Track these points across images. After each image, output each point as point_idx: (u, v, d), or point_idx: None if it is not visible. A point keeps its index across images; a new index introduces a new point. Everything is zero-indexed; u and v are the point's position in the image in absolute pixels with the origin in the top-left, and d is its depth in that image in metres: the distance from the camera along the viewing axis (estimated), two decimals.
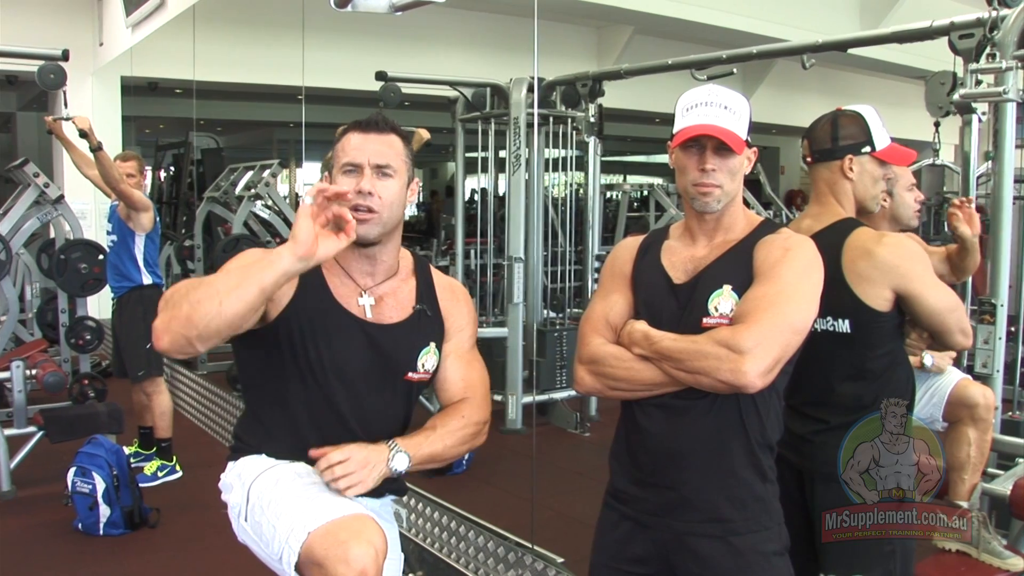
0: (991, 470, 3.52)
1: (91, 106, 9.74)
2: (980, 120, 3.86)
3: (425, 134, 5.96)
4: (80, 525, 4.50)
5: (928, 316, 2.36)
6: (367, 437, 2.13)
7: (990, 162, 4.17)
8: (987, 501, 3.36)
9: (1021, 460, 3.47)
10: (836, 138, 2.45)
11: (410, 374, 2.16)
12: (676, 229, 2.15)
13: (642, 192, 11.07)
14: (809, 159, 2.52)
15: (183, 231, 10.68)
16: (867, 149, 2.44)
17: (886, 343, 2.38)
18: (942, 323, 2.37)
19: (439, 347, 2.22)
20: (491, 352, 6.31)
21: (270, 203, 8.84)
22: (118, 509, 4.48)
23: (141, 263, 5.35)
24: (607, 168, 7.48)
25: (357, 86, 8.93)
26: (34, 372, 5.47)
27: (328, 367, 2.08)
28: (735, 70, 5.39)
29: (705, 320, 1.95)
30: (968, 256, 3.37)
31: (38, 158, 7.23)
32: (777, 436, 2.04)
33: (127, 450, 4.95)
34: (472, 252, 7.70)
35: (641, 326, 1.99)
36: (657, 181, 12.03)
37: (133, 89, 11.10)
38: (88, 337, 6.18)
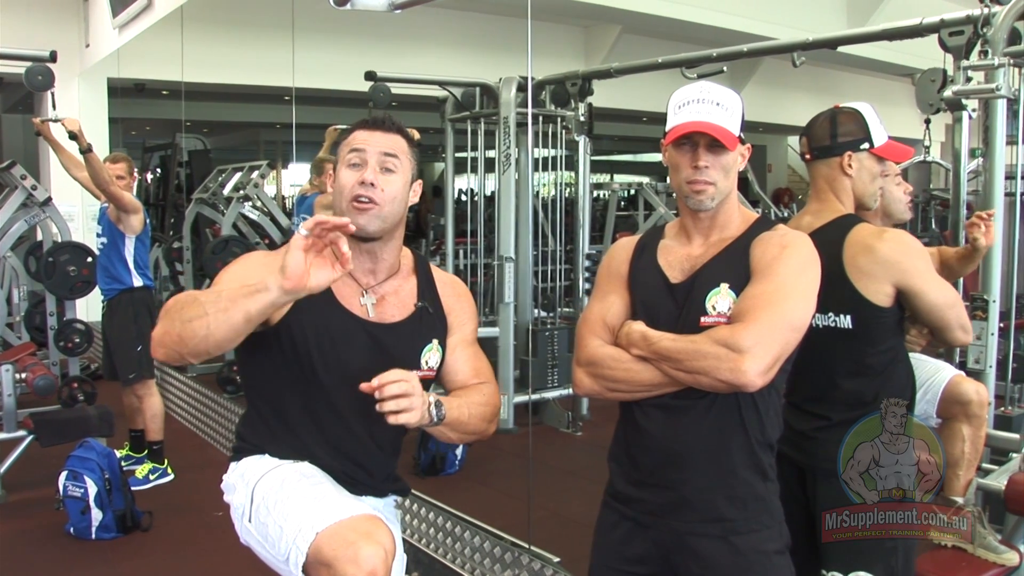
0: (985, 465, 3.52)
1: (78, 108, 9.69)
2: (971, 117, 3.86)
3: (415, 134, 5.94)
4: (72, 529, 4.48)
5: (928, 312, 2.37)
6: (370, 438, 2.14)
7: (979, 158, 4.18)
8: (981, 496, 3.37)
9: (1015, 455, 3.47)
10: (835, 135, 2.46)
11: (414, 372, 2.15)
12: (672, 228, 2.15)
13: (629, 191, 11.06)
14: (808, 156, 2.52)
15: (171, 233, 10.65)
16: (866, 146, 2.45)
17: (887, 339, 2.39)
18: (942, 319, 2.39)
19: (442, 343, 2.22)
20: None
21: (259, 204, 8.81)
22: (110, 513, 4.46)
23: (131, 265, 5.32)
24: (594, 167, 7.48)
25: (346, 86, 8.91)
26: (24, 375, 5.44)
27: (331, 368, 2.08)
28: (725, 68, 5.39)
29: (703, 319, 1.94)
30: (971, 264, 3.44)
31: (24, 160, 7.16)
32: (777, 435, 2.04)
33: (118, 453, 4.92)
34: (461, 252, 7.69)
35: (639, 327, 1.99)
36: (645, 180, 12.04)
37: (120, 91, 11.04)
38: (77, 340, 6.14)
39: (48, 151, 7.27)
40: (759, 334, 1.83)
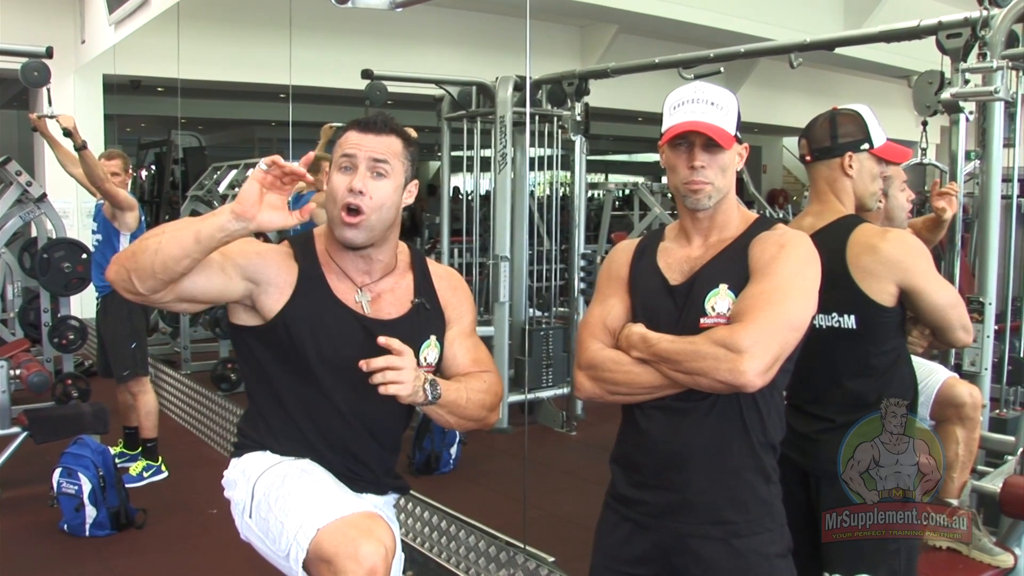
0: (980, 468, 3.53)
1: (73, 104, 9.66)
2: (968, 119, 3.87)
3: (411, 133, 5.93)
4: (66, 526, 4.47)
5: (930, 312, 2.38)
6: (368, 433, 2.15)
7: (975, 161, 4.19)
8: (976, 498, 3.38)
9: (1010, 458, 3.48)
10: (835, 136, 2.46)
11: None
12: (671, 230, 2.15)
13: (625, 191, 11.06)
14: (808, 158, 2.52)
15: None
16: (866, 146, 2.46)
17: (890, 339, 2.40)
18: (944, 319, 2.39)
19: (440, 339, 2.23)
20: None
21: None
22: (104, 510, 4.45)
23: None
24: (590, 167, 7.47)
25: (342, 84, 8.90)
26: (18, 372, 5.42)
27: (328, 363, 2.08)
28: (722, 69, 5.39)
29: (703, 320, 1.94)
30: (940, 232, 3.70)
31: (19, 156, 7.15)
32: (779, 436, 2.03)
33: (112, 450, 4.91)
34: (456, 251, 7.68)
35: (639, 329, 1.98)
36: (641, 180, 12.04)
37: (116, 87, 11.02)
38: (72, 337, 6.14)
39: (43, 147, 7.24)
40: (758, 334, 1.82)
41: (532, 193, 7.38)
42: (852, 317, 2.36)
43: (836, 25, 12.28)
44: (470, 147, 7.19)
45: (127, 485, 4.75)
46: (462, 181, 8.77)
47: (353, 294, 2.14)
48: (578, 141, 6.79)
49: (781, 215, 10.98)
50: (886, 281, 2.33)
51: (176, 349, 8.29)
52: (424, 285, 2.24)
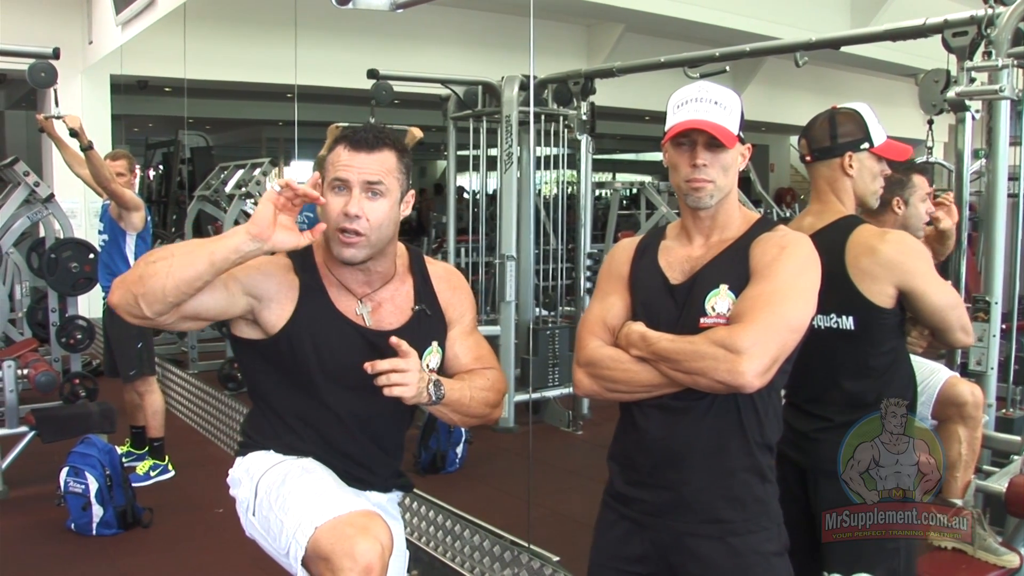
0: (986, 467, 3.52)
1: (80, 105, 9.70)
2: (974, 118, 3.86)
3: (418, 133, 5.96)
4: (73, 525, 4.49)
5: (930, 313, 2.37)
6: (371, 441, 2.17)
7: (982, 159, 4.17)
8: (982, 498, 3.37)
9: (1016, 457, 3.47)
10: (835, 136, 2.46)
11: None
12: (673, 229, 2.15)
13: (631, 190, 11.03)
14: (808, 158, 2.52)
15: (173, 230, 10.64)
16: (865, 145, 2.46)
17: (889, 340, 2.40)
18: (943, 320, 2.39)
19: (442, 343, 2.23)
20: None
21: None
22: (111, 509, 4.47)
23: (132, 262, 5.31)
24: (596, 166, 7.43)
25: (348, 84, 8.90)
26: (26, 372, 5.44)
27: (331, 376, 2.10)
28: (728, 68, 5.38)
29: (702, 320, 1.94)
30: (947, 244, 3.60)
31: (27, 157, 7.16)
32: (776, 436, 2.03)
33: (119, 450, 4.92)
34: (463, 250, 7.68)
35: (638, 327, 1.98)
36: (647, 179, 12.01)
37: (123, 87, 11.04)
38: (79, 336, 6.15)
39: (51, 147, 7.25)
40: (757, 335, 1.82)
41: (538, 192, 7.38)
42: (850, 318, 2.36)
43: (843, 23, 12.25)
44: (476, 146, 7.20)
45: (134, 484, 4.77)
46: (468, 180, 8.75)
47: (354, 306, 2.14)
48: (584, 140, 6.80)
49: (788, 214, 10.98)
50: (884, 283, 2.33)
51: (183, 349, 8.30)
52: (424, 289, 2.24)
